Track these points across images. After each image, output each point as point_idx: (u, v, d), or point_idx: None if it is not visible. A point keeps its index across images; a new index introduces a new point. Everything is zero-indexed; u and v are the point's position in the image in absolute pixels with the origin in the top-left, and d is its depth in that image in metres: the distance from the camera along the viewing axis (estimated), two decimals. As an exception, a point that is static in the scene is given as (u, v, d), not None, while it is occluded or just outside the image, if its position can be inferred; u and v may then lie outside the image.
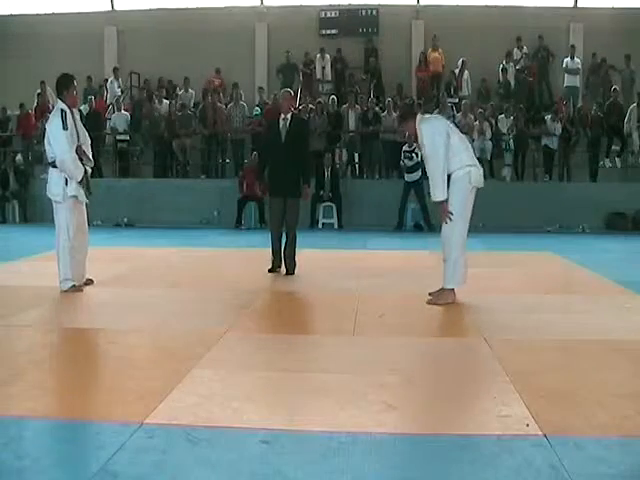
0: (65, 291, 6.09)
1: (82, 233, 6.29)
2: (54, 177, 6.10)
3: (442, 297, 5.79)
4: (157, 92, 15.61)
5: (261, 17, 17.44)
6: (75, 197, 6.12)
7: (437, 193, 5.63)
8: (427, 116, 6.02)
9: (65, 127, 5.94)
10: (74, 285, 6.15)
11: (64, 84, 6.12)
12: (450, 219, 5.64)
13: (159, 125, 14.64)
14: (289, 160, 7.07)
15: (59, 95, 6.14)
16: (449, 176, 5.63)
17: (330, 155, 13.29)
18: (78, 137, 6.16)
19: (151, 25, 16.98)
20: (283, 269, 7.34)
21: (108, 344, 4.38)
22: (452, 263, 5.74)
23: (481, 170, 5.77)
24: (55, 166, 6.06)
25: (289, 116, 7.27)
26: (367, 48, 16.72)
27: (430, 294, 5.87)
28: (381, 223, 12.67)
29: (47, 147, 6.13)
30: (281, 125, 7.24)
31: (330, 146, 13.75)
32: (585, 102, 14.64)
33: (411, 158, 12.50)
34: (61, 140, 5.95)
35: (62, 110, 6.00)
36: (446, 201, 5.62)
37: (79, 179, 6.05)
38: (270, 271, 7.30)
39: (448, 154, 5.57)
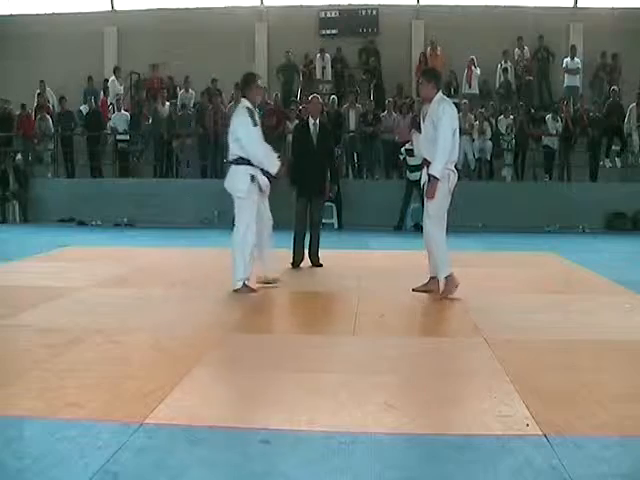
0: (236, 291, 6.06)
1: (265, 230, 6.28)
2: (239, 174, 6.08)
3: (448, 288, 5.96)
4: (160, 92, 15.61)
5: (261, 17, 17.44)
6: (259, 191, 6.13)
7: (437, 168, 5.80)
8: (445, 98, 6.15)
9: (255, 123, 6.03)
10: (244, 284, 6.12)
11: (247, 82, 6.25)
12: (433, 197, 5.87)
13: (160, 125, 14.65)
14: (319, 163, 7.41)
15: (243, 93, 6.25)
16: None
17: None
18: None
19: (151, 25, 16.97)
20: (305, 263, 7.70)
21: (108, 344, 4.38)
22: (440, 254, 5.96)
23: (456, 176, 6.04)
24: (239, 163, 6.07)
25: (318, 121, 7.67)
26: (367, 48, 16.72)
27: (414, 289, 6.15)
28: (381, 223, 12.66)
29: (231, 144, 6.14)
30: (312, 130, 7.61)
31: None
32: (584, 102, 14.65)
33: (414, 156, 12.46)
34: (253, 136, 6.01)
35: (248, 108, 6.08)
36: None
37: (275, 171, 6.08)
38: (293, 265, 7.63)
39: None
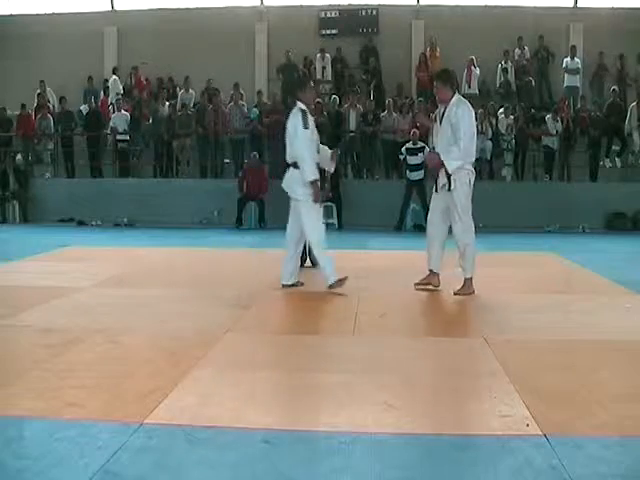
0: (330, 286, 6.19)
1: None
2: (296, 176, 6.16)
3: (465, 289, 6.07)
4: (160, 92, 15.64)
5: (261, 17, 17.45)
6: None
7: (453, 165, 5.90)
8: (462, 99, 6.20)
9: (306, 126, 6.04)
10: (340, 279, 6.22)
11: (301, 85, 6.37)
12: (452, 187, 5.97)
13: (160, 125, 14.66)
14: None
15: (297, 96, 6.30)
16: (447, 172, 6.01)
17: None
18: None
19: (151, 25, 16.98)
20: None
21: (108, 344, 4.38)
22: (469, 253, 6.04)
23: (474, 175, 6.13)
24: (297, 166, 6.14)
25: None
26: (367, 48, 16.73)
27: (416, 284, 6.25)
28: (381, 223, 12.66)
29: (288, 147, 6.22)
30: None
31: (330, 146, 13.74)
32: (584, 103, 14.66)
33: (415, 155, 12.47)
34: (302, 138, 6.04)
35: (302, 110, 6.12)
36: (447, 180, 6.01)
37: (308, 180, 6.06)
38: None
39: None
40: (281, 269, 6.45)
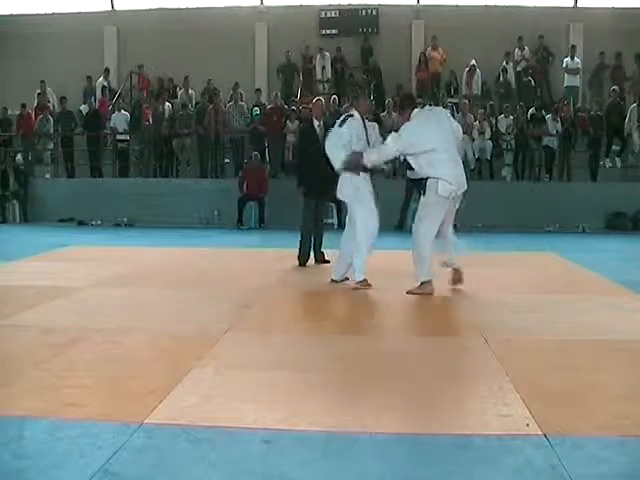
0: (358, 283, 6.36)
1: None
2: (344, 178, 6.45)
3: (421, 289, 6.10)
4: (161, 92, 15.64)
5: (261, 17, 17.45)
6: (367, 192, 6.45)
7: (371, 158, 6.22)
8: (420, 112, 6.19)
9: (341, 125, 6.42)
10: (365, 279, 6.39)
11: (356, 95, 6.95)
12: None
13: (161, 125, 14.66)
14: (325, 163, 7.32)
15: (351, 103, 6.94)
16: (426, 179, 6.10)
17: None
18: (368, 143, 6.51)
19: (151, 25, 16.97)
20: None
21: (108, 344, 4.38)
22: (421, 259, 6.09)
23: (450, 185, 5.96)
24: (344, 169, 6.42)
25: (322, 122, 8.06)
26: (366, 48, 16.73)
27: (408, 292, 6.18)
28: (381, 223, 12.61)
29: None
30: (317, 131, 7.92)
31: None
32: (584, 102, 14.65)
33: None
34: (331, 134, 6.49)
35: (348, 115, 6.52)
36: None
37: (337, 169, 6.39)
38: (300, 265, 7.83)
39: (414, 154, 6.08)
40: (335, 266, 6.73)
